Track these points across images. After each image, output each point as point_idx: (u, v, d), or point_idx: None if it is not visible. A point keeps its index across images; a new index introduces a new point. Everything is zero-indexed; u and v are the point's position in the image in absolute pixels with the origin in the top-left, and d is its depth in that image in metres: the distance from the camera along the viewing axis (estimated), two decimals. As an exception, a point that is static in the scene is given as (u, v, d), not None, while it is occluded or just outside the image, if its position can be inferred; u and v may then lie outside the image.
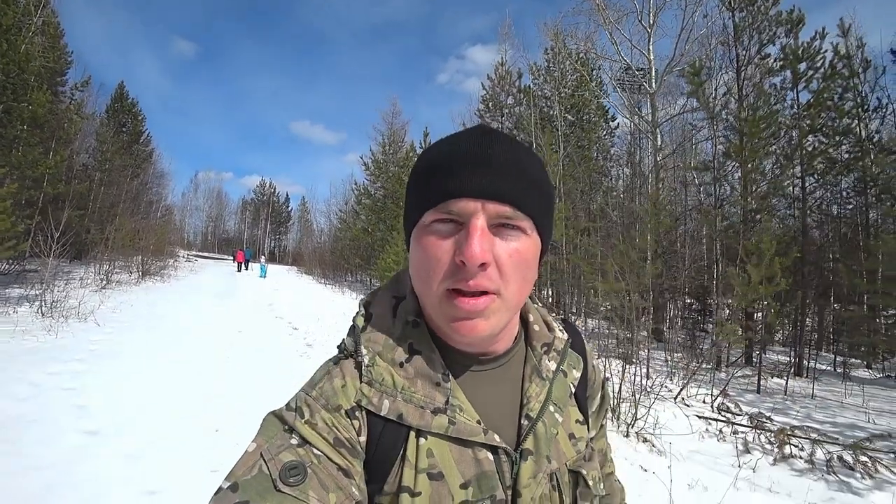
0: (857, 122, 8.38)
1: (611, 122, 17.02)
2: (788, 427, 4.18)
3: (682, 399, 5.52)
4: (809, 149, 8.38)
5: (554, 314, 0.69)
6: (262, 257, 31.45)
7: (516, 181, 0.50)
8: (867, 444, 3.76)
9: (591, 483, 0.61)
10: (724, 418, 4.60)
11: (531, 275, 0.53)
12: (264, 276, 23.23)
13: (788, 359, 8.48)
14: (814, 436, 4.04)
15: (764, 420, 4.49)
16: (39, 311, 7.43)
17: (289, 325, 8.95)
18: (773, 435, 4.00)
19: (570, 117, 14.65)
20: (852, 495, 3.25)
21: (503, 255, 0.49)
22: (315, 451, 0.48)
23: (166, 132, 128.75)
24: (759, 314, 7.96)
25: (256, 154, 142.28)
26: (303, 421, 0.50)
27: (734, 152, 7.10)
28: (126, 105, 30.84)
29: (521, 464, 0.54)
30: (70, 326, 6.82)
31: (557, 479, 0.58)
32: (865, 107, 8.57)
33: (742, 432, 4.26)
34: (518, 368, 0.61)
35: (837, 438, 4.11)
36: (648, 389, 5.30)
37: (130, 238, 17.16)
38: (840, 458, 3.65)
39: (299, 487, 0.45)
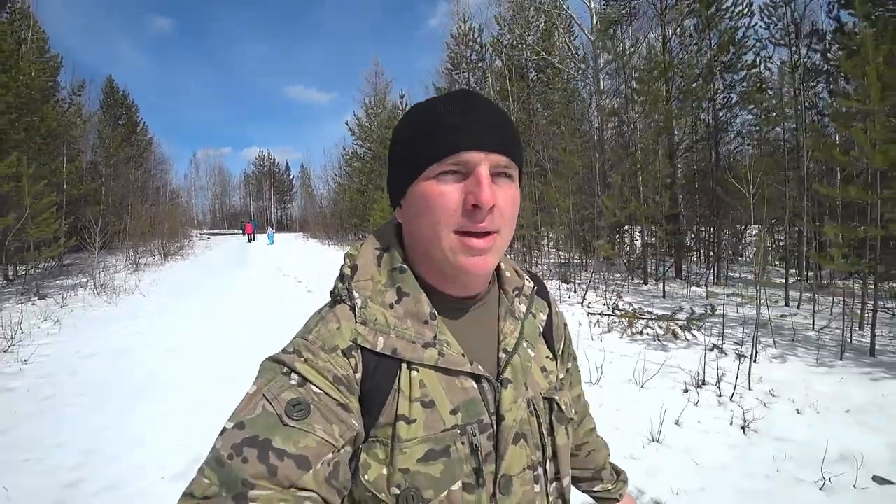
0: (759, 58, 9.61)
1: (581, 65, 17.88)
2: (635, 311, 5.96)
3: (588, 304, 7.31)
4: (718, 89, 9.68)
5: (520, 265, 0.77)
6: (270, 227, 33.43)
7: (507, 134, 0.57)
8: (672, 316, 5.51)
9: (563, 408, 0.67)
10: (598, 311, 6.39)
11: (516, 217, 0.60)
12: (272, 243, 25.28)
13: (705, 270, 10.30)
14: (648, 316, 5.80)
15: (625, 311, 6.25)
16: (94, 292, 9.35)
17: (294, 280, 10.92)
18: (626, 318, 5.76)
19: (536, 65, 15.69)
20: (663, 352, 4.98)
21: (502, 199, 0.55)
22: (315, 388, 0.52)
23: (159, 115, 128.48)
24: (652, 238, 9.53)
25: (254, 125, 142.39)
26: (301, 360, 0.53)
27: (636, 95, 8.46)
28: (118, 98, 31.86)
29: (503, 391, 0.60)
30: (123, 299, 8.75)
31: (534, 406, 0.63)
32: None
33: (615, 320, 6.04)
34: (493, 309, 0.67)
35: (666, 315, 5.86)
36: (567, 301, 7.10)
37: (149, 225, 18.94)
38: (655, 327, 5.43)
39: (305, 421, 0.49)
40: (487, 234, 0.55)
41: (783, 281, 7.78)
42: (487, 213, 0.54)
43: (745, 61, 9.52)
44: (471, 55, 16.50)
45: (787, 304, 7.13)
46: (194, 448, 2.95)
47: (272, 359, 0.55)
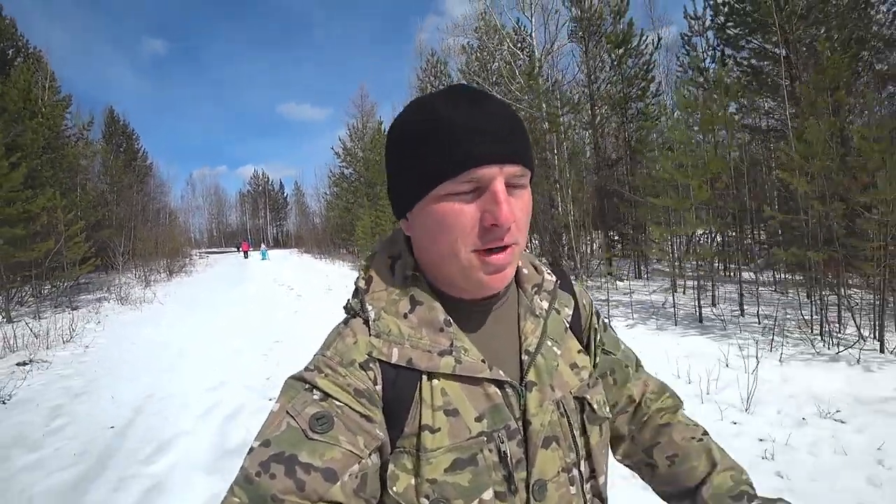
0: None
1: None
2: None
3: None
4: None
5: (541, 259, 0.73)
6: (263, 245, 35.69)
7: (520, 141, 0.54)
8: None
9: (595, 407, 0.64)
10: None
11: (529, 221, 0.58)
12: (265, 259, 27.35)
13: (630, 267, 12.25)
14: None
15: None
16: (119, 302, 11.21)
17: (287, 288, 12.81)
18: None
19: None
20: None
21: (518, 211, 0.53)
22: (337, 402, 0.51)
23: (153, 134, 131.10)
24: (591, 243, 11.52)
25: (248, 143, 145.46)
26: (322, 376, 0.53)
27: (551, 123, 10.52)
28: (119, 127, 33.86)
29: (527, 395, 0.58)
30: (145, 307, 10.62)
31: (564, 407, 0.61)
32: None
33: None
34: (513, 309, 0.64)
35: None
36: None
37: (154, 245, 20.82)
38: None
39: (329, 434, 0.49)
40: (505, 247, 0.54)
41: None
42: (507, 230, 0.52)
43: (651, 90, 11.57)
44: (438, 85, 18.59)
45: (674, 290, 9.06)
46: (217, 379, 4.84)
47: (294, 377, 0.55)
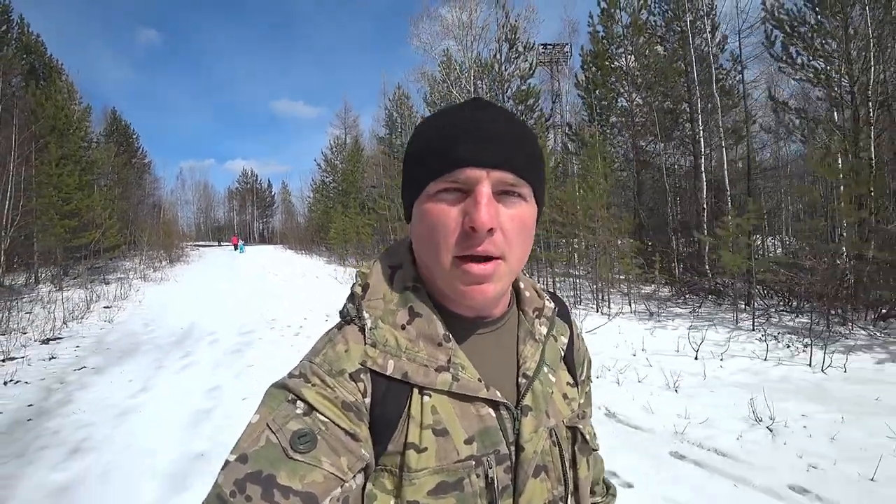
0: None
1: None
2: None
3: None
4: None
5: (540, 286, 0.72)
6: (240, 240, 39.51)
7: (517, 150, 0.53)
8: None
9: (588, 438, 0.64)
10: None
11: (530, 240, 0.56)
12: (242, 252, 31.23)
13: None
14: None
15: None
16: (142, 279, 14.78)
17: (269, 272, 16.56)
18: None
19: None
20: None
21: (506, 221, 0.51)
22: (322, 417, 0.49)
23: (140, 123, 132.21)
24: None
25: (238, 138, 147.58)
26: (308, 386, 0.51)
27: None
28: (121, 128, 37.00)
29: (523, 419, 0.56)
30: (164, 284, 14.22)
31: (556, 435, 0.59)
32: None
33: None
34: (513, 331, 0.63)
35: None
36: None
37: (158, 237, 24.26)
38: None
39: (311, 454, 0.46)
40: (488, 259, 0.51)
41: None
42: (486, 236, 0.50)
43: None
44: (403, 120, 22.42)
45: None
46: (230, 314, 8.54)
47: (277, 385, 0.52)
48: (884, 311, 6.64)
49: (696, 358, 5.35)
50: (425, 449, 0.51)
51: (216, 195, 74.55)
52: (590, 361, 0.76)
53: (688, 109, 11.05)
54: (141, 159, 38.06)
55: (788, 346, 5.75)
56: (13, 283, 12.29)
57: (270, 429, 0.48)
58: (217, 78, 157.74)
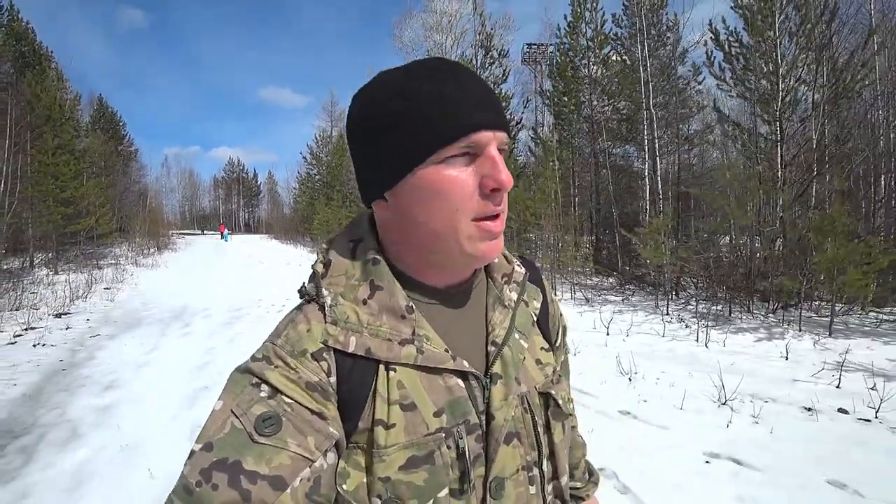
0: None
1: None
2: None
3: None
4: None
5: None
6: (226, 229, 40.30)
7: (502, 110, 0.54)
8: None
9: (561, 403, 0.63)
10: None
11: None
12: (226, 241, 32.04)
13: None
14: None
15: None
16: (134, 265, 15.63)
17: (255, 260, 17.56)
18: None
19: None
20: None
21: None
22: (286, 399, 0.49)
23: (127, 109, 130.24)
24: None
25: (223, 125, 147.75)
26: (271, 368, 0.50)
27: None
28: (107, 115, 37.25)
29: (492, 387, 0.56)
30: (157, 269, 15.11)
31: (528, 402, 0.60)
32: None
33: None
34: (481, 299, 0.62)
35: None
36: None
37: (146, 225, 24.96)
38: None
39: (276, 436, 0.46)
40: (496, 216, 0.53)
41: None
42: (503, 193, 0.52)
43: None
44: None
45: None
46: (220, 294, 9.56)
47: (240, 369, 0.52)
48: (780, 304, 7.88)
49: (607, 334, 6.54)
50: (394, 425, 0.51)
51: (202, 183, 74.64)
52: (565, 327, 0.76)
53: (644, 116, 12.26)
54: (127, 147, 38.44)
55: (688, 327, 6.96)
56: (10, 266, 13.08)
57: (235, 414, 0.47)
58: (204, 62, 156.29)
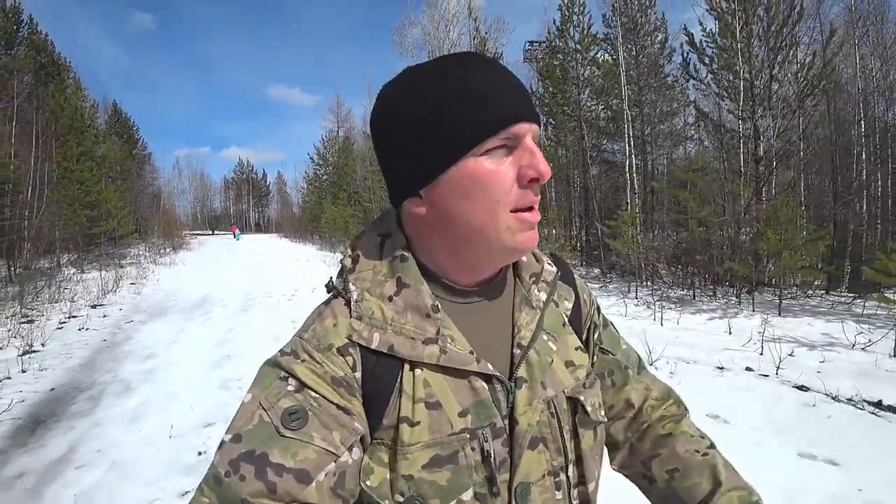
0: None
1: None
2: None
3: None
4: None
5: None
6: (237, 229, 41.61)
7: (533, 103, 0.54)
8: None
9: (589, 409, 0.61)
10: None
11: None
12: (238, 240, 33.38)
13: None
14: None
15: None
16: (153, 263, 16.71)
17: (266, 257, 18.65)
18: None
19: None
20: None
21: None
22: (313, 394, 0.50)
23: (138, 111, 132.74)
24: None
25: (233, 125, 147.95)
26: (299, 362, 0.51)
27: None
28: (122, 120, 38.52)
29: (516, 391, 0.55)
30: (175, 267, 16.18)
31: (555, 407, 0.58)
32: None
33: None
34: (508, 299, 0.61)
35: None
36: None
37: (160, 226, 26.14)
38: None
39: (302, 430, 0.47)
40: (533, 206, 0.53)
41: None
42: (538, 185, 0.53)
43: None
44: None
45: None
46: (235, 285, 10.54)
47: (269, 363, 0.53)
48: (745, 288, 8.65)
49: (575, 314, 7.37)
50: (418, 423, 0.51)
51: (213, 184, 76.12)
52: (598, 308, 0.73)
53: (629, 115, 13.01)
54: (141, 150, 39.74)
55: (649, 308, 7.78)
56: (40, 266, 14.17)
57: (263, 407, 0.49)
58: (211, 63, 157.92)
